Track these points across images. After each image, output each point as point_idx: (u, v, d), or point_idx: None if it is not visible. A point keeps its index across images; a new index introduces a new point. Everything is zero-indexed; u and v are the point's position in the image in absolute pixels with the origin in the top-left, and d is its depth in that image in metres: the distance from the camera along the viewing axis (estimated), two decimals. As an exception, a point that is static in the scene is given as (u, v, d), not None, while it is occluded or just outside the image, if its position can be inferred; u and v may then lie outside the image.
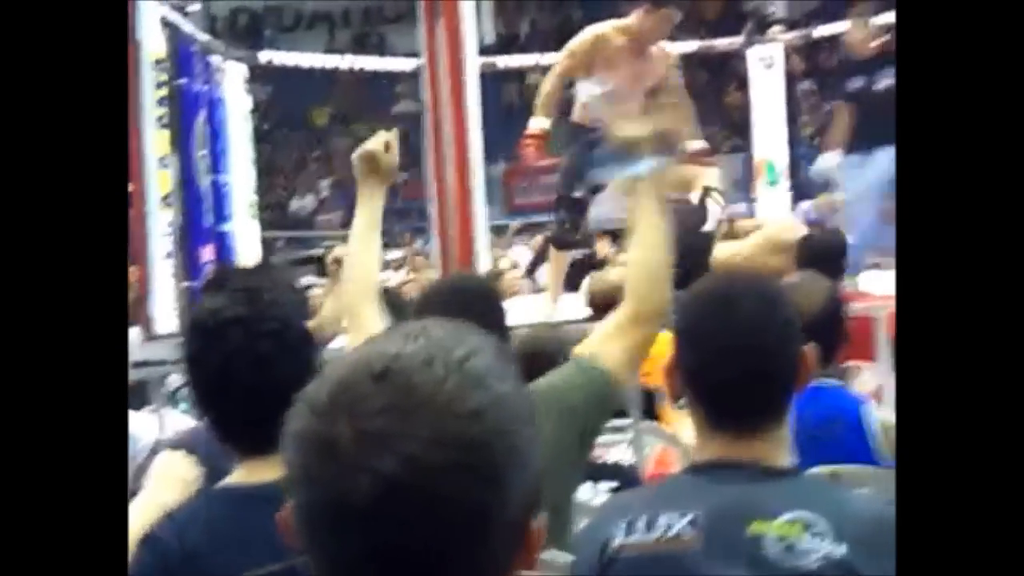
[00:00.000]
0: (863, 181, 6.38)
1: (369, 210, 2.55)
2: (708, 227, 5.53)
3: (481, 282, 2.50)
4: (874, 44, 6.42)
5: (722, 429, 1.76)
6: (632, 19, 5.68)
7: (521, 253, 12.54)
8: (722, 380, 1.76)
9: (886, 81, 6.24)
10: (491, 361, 1.00)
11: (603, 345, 2.28)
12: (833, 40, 8.27)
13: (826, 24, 9.22)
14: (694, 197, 5.59)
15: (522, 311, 6.01)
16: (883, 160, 6.22)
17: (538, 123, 5.67)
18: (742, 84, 10.77)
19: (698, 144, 5.96)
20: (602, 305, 4.56)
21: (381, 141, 2.57)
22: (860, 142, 6.34)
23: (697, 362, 1.79)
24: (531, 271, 10.78)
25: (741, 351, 1.75)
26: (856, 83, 6.40)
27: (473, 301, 2.35)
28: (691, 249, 5.46)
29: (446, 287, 2.49)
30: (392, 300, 2.64)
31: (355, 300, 2.49)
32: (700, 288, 1.85)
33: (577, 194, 5.78)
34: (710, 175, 5.68)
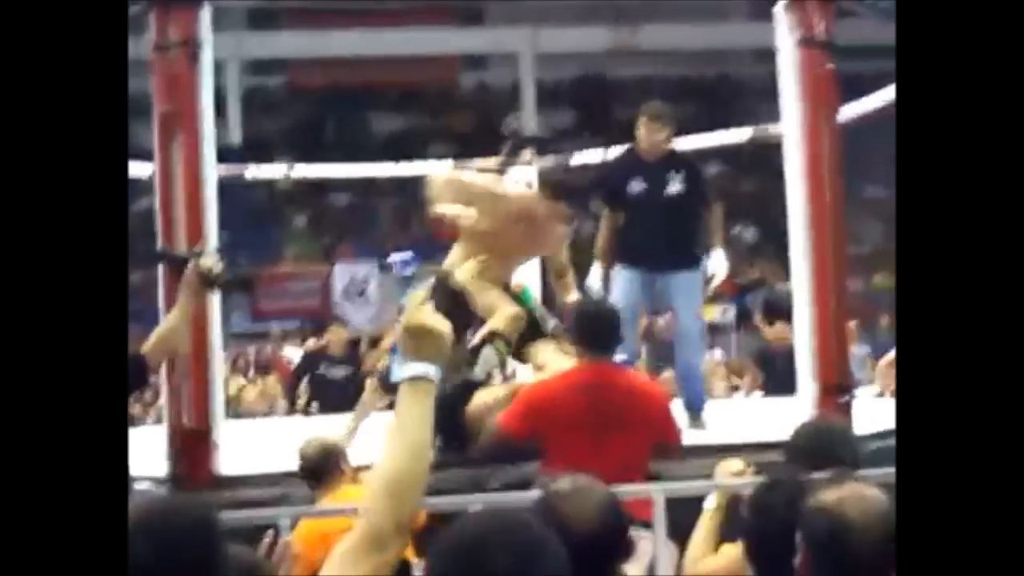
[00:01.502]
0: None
1: None
2: (479, 372, 4.97)
3: (198, 512, 2.01)
4: (665, 147, 6.07)
5: None
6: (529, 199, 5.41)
7: (293, 353, 11.81)
8: None
9: (676, 186, 6.00)
10: None
11: None
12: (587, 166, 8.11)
13: (581, 149, 9.23)
14: (476, 337, 4.98)
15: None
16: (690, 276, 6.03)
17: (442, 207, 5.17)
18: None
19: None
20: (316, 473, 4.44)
21: None
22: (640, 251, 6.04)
23: None
24: (293, 389, 9.84)
25: None
26: (638, 186, 6.05)
27: (191, 556, 1.92)
28: (441, 407, 4.93)
29: (159, 537, 1.89)
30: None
31: None
32: (451, 539, 1.60)
33: None
34: (512, 318, 5.06)
